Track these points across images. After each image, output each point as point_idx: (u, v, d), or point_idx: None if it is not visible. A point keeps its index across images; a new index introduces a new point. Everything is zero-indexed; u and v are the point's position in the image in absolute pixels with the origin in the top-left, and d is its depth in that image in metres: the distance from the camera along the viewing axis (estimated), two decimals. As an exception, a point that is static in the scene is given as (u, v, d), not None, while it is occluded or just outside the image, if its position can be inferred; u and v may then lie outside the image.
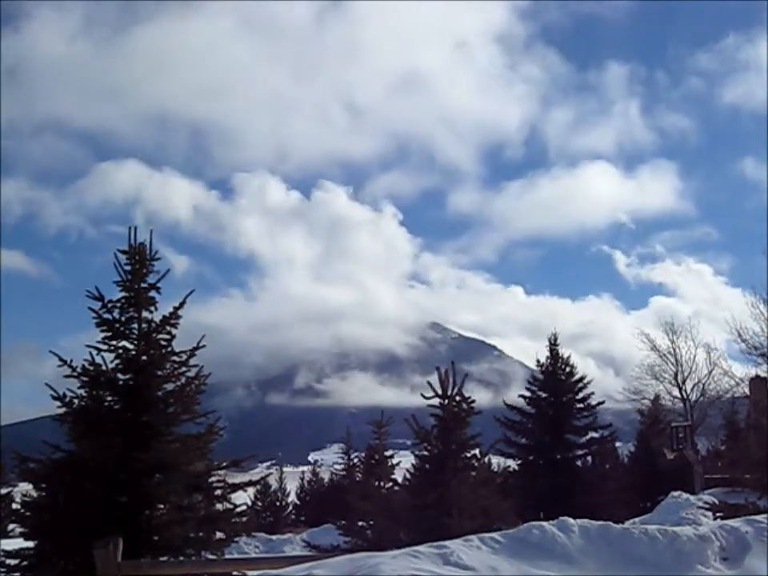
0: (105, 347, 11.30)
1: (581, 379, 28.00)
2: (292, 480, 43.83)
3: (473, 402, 15.00)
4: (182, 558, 10.41)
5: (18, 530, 11.61)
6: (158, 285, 11.60)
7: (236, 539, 12.24)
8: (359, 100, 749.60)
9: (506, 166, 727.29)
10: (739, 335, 33.80)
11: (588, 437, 28.07)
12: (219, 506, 11.44)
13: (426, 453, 15.11)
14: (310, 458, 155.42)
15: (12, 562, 10.81)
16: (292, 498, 42.52)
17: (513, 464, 28.46)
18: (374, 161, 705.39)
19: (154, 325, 11.46)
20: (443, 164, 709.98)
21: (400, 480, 18.31)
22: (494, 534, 5.60)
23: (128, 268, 11.50)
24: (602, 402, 28.71)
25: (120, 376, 11.29)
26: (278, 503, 41.39)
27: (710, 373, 39.86)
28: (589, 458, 28.85)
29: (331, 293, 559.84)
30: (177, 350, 11.50)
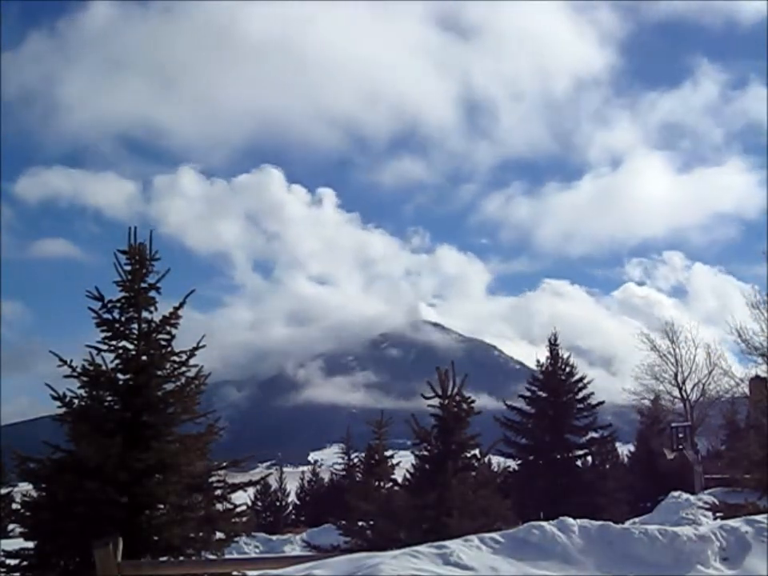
0: (105, 347, 11.30)
1: (581, 379, 28.05)
2: (292, 480, 43.85)
3: (473, 402, 15.00)
4: (182, 558, 10.41)
5: (18, 530, 11.61)
6: (158, 285, 11.60)
7: (236, 539, 12.23)
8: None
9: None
10: (739, 335, 33.86)
11: (588, 437, 28.11)
12: (219, 506, 11.42)
13: (426, 453, 15.09)
14: (309, 458, 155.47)
15: (12, 562, 10.81)
16: (292, 498, 42.55)
17: (513, 464, 28.48)
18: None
19: (153, 325, 11.46)
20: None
21: (400, 480, 18.29)
22: (494, 534, 5.60)
23: (128, 268, 11.50)
24: (602, 402, 28.75)
25: (120, 376, 11.28)
26: (278, 503, 41.43)
27: (710, 373, 39.92)
28: (589, 458, 28.88)
29: (327, 291, 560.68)
30: (177, 349, 11.51)
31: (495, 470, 23.17)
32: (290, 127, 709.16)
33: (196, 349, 11.45)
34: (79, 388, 11.08)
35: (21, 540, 11.47)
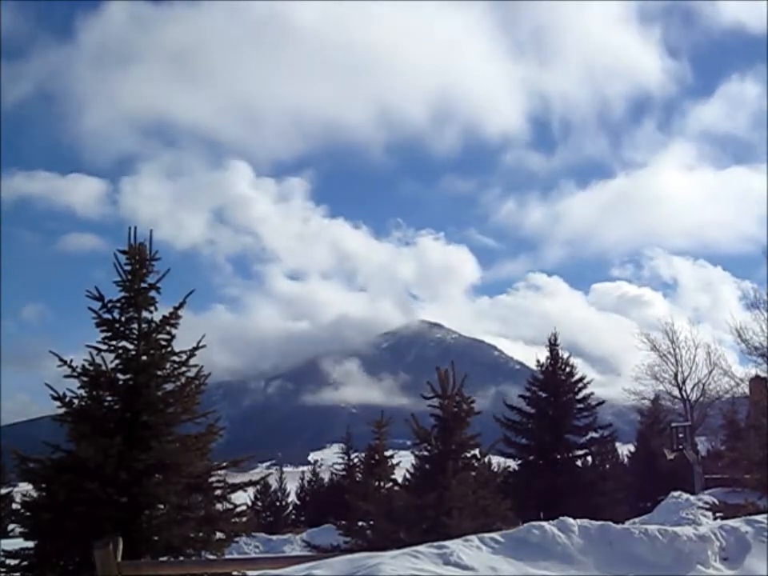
0: (105, 347, 11.30)
1: (581, 379, 28.03)
2: (292, 480, 43.87)
3: (473, 401, 15.00)
4: (182, 558, 10.41)
5: (18, 529, 11.60)
6: (158, 285, 11.61)
7: (236, 539, 12.23)
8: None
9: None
10: (739, 335, 33.85)
11: (588, 437, 28.09)
12: (219, 506, 11.42)
13: (426, 453, 15.09)
14: (309, 458, 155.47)
15: (12, 562, 10.80)
16: (292, 498, 42.56)
17: (513, 464, 28.48)
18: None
19: (153, 325, 11.46)
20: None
21: (400, 480, 18.30)
22: (494, 534, 5.59)
23: (128, 268, 11.50)
24: (602, 402, 28.75)
25: (120, 376, 11.28)
26: (278, 503, 41.42)
27: (710, 373, 39.90)
28: (589, 458, 28.87)
29: (326, 291, 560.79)
30: (177, 349, 11.51)
31: (495, 470, 23.17)
32: (338, 130, 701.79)
33: (196, 349, 11.46)
34: (79, 388, 11.09)
35: (21, 540, 11.47)
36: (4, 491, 28.63)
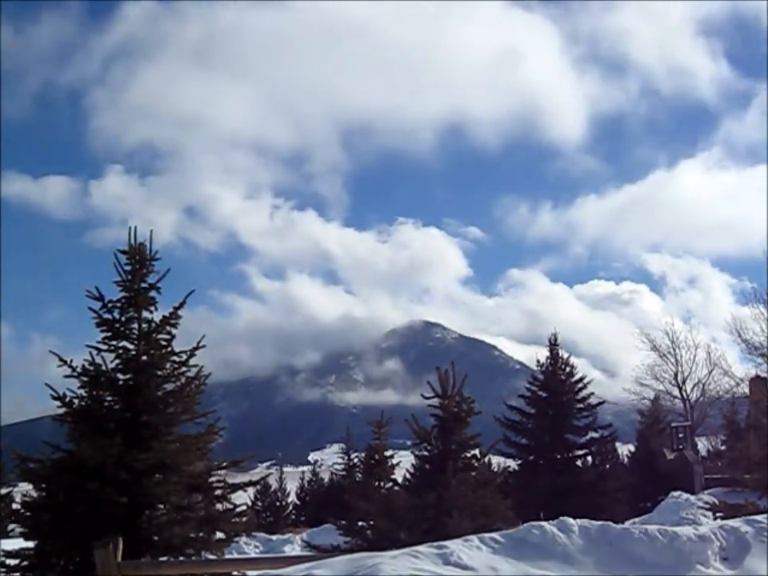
0: (105, 347, 11.31)
1: (581, 379, 28.02)
2: (292, 480, 43.89)
3: (473, 401, 15.01)
4: (182, 558, 10.41)
5: (18, 530, 11.61)
6: (158, 285, 11.61)
7: (236, 539, 12.24)
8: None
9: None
10: (739, 335, 33.88)
11: (588, 437, 28.09)
12: (219, 506, 11.43)
13: (426, 453, 15.10)
14: (309, 458, 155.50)
15: (12, 562, 10.80)
16: (292, 498, 42.58)
17: (513, 464, 28.48)
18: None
19: (154, 325, 11.46)
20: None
21: (400, 480, 18.31)
22: (494, 534, 5.59)
23: (128, 268, 11.50)
24: (603, 402, 28.77)
25: (120, 376, 11.29)
26: (278, 503, 41.45)
27: (710, 373, 39.96)
28: (589, 458, 28.86)
29: (325, 291, 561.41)
30: (177, 349, 11.51)
31: (495, 470, 23.16)
32: (385, 131, 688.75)
33: (196, 349, 11.46)
34: (79, 388, 11.09)
35: (21, 540, 11.47)
36: (4, 491, 28.63)
